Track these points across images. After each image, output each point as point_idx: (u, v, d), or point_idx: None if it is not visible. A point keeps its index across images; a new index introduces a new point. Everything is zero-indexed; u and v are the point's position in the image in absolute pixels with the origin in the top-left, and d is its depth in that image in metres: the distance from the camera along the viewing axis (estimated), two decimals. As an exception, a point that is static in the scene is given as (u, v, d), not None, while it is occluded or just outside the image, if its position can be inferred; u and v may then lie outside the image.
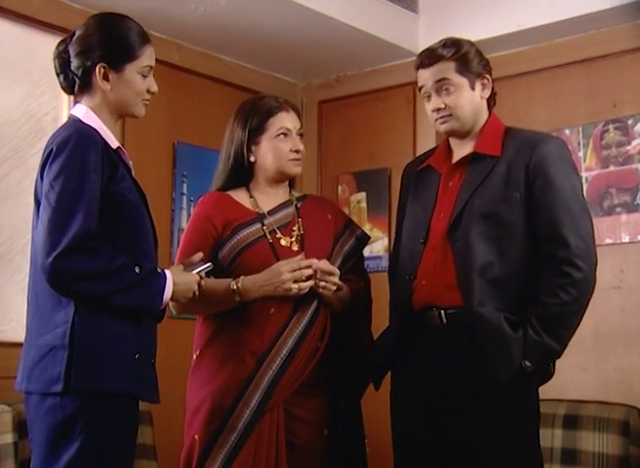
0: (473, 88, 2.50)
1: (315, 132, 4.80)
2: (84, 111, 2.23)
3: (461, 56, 2.48)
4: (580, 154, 3.99)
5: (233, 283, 2.50)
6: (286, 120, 2.66)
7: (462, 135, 2.54)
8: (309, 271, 2.48)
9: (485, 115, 2.55)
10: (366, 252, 4.44)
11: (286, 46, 4.33)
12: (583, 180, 3.95)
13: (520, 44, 4.18)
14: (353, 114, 4.70)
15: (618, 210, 3.89)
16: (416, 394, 2.49)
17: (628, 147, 3.90)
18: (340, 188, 4.69)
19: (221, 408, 2.48)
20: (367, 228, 4.52)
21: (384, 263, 4.31)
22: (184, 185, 4.18)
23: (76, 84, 2.25)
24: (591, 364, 3.89)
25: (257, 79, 4.56)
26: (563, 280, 2.37)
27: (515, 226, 2.43)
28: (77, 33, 2.26)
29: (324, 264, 2.51)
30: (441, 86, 2.48)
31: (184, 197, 4.17)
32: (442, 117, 2.50)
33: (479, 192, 2.45)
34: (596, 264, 2.44)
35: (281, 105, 2.68)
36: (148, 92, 2.29)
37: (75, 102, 2.28)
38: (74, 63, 2.23)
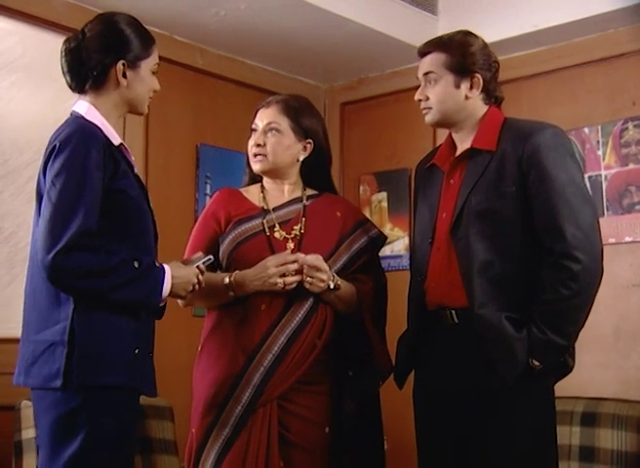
0: (458, 86, 2.39)
1: (337, 133, 4.74)
2: (86, 108, 2.20)
3: (454, 51, 2.38)
4: (600, 152, 3.88)
5: (227, 277, 2.46)
6: (258, 116, 2.63)
7: (452, 127, 2.46)
8: (295, 266, 2.42)
9: (479, 111, 2.43)
10: (387, 251, 4.44)
11: (307, 49, 4.27)
12: (602, 179, 3.86)
13: (538, 44, 4.08)
14: (374, 115, 4.64)
15: (637, 207, 3.76)
16: (435, 392, 2.42)
17: (648, 145, 3.79)
18: (361, 188, 4.63)
19: (215, 403, 2.44)
20: (388, 227, 4.47)
21: (405, 262, 4.24)
22: (208, 186, 4.14)
23: (89, 81, 2.21)
24: (612, 361, 3.77)
25: (280, 82, 4.51)
26: (562, 275, 2.24)
27: (513, 223, 2.31)
28: (91, 31, 2.22)
29: (311, 259, 2.44)
30: (427, 78, 2.42)
31: (208, 197, 4.12)
32: (424, 108, 2.44)
33: (476, 190, 2.34)
34: (600, 253, 2.30)
35: (264, 103, 2.64)
36: (153, 90, 2.30)
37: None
38: (91, 61, 2.19)
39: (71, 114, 2.22)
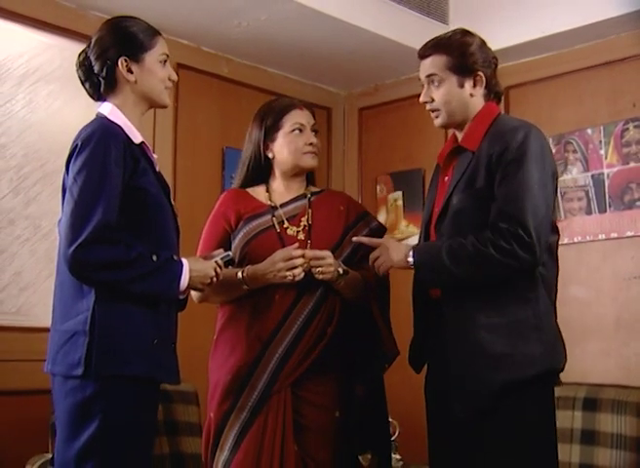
0: (462, 85, 2.32)
1: (356, 136, 4.76)
2: (110, 108, 2.18)
3: (455, 52, 2.30)
4: (602, 152, 3.84)
5: (240, 272, 2.45)
6: (299, 116, 2.59)
7: (456, 127, 2.38)
8: (300, 260, 2.40)
9: (477, 107, 2.35)
10: (402, 246, 4.42)
11: (326, 58, 4.27)
12: (605, 177, 3.82)
13: (544, 50, 4.05)
14: (390, 119, 4.63)
15: (638, 204, 3.71)
16: (436, 379, 2.37)
17: (647, 144, 3.74)
18: (378, 188, 4.62)
19: (232, 390, 2.43)
20: (403, 224, 4.47)
21: (419, 257, 4.21)
22: (232, 186, 4.15)
23: (102, 86, 2.20)
24: (614, 349, 3.72)
25: (301, 89, 4.51)
26: (506, 236, 2.12)
27: (482, 222, 2.20)
28: (93, 39, 2.22)
29: (314, 251, 2.42)
30: (431, 80, 2.34)
31: (233, 197, 4.14)
32: (431, 111, 2.37)
33: (457, 189, 2.28)
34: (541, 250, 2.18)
35: (294, 104, 2.62)
36: (169, 80, 2.24)
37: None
38: (97, 66, 2.18)
39: (96, 115, 2.21)
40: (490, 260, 2.14)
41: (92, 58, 2.19)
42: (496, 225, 2.16)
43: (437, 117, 2.38)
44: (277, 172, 2.64)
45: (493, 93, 2.39)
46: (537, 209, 2.16)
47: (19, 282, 3.40)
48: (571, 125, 3.96)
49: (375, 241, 2.42)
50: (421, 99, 2.39)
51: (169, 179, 3.82)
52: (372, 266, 2.36)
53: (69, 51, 3.61)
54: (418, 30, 4.16)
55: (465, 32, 2.38)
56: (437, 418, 2.36)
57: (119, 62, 2.17)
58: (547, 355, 2.21)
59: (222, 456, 2.41)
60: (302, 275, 2.41)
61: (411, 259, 2.24)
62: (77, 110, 3.59)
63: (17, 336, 3.31)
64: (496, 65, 2.39)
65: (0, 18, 3.43)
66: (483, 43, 2.38)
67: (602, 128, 3.86)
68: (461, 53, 2.31)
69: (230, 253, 2.32)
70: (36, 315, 3.40)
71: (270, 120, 2.60)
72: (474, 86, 2.34)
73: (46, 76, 3.57)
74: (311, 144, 2.58)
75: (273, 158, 2.62)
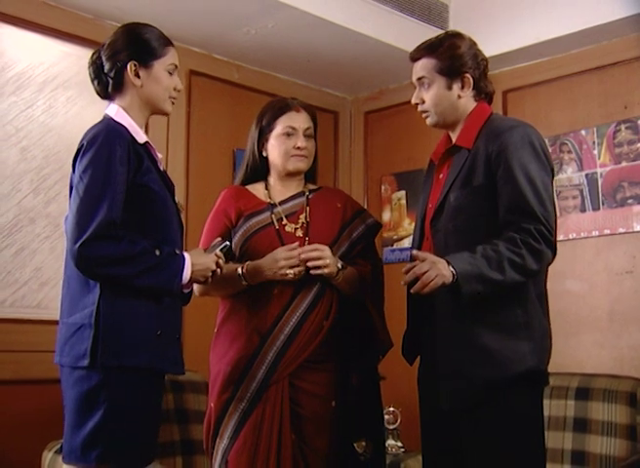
0: (450, 87, 2.26)
1: (362, 139, 4.74)
2: (115, 110, 2.17)
3: (443, 55, 2.25)
4: (596, 152, 3.80)
5: (239, 268, 2.41)
6: (293, 119, 2.52)
7: (448, 127, 2.33)
8: (303, 257, 2.36)
9: (469, 108, 2.29)
10: (404, 243, 4.41)
11: (332, 64, 4.24)
12: (598, 176, 3.77)
13: (540, 55, 4.00)
14: (395, 122, 4.59)
15: (630, 201, 3.67)
16: (427, 370, 2.33)
17: (639, 145, 3.67)
18: (383, 188, 4.59)
19: (232, 380, 2.40)
20: (407, 222, 4.45)
21: (421, 253, 4.19)
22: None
23: (109, 86, 2.18)
24: (607, 341, 3.68)
25: (309, 94, 4.48)
26: (533, 234, 2.07)
27: (482, 219, 2.16)
28: (108, 41, 2.21)
29: (310, 250, 2.38)
30: (421, 82, 2.30)
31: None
32: (422, 112, 2.32)
33: (454, 187, 2.22)
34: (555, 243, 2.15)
35: (291, 106, 2.54)
36: (175, 89, 2.22)
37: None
38: (107, 67, 2.17)
39: (103, 116, 2.19)
40: (525, 261, 2.07)
41: (103, 58, 2.18)
42: (519, 225, 2.09)
43: (427, 117, 2.34)
44: (273, 171, 2.60)
45: (483, 93, 2.33)
46: (548, 206, 2.14)
47: (39, 277, 3.40)
48: (566, 126, 3.92)
49: (421, 254, 2.11)
50: (413, 101, 2.34)
51: (182, 180, 3.85)
52: (419, 279, 2.05)
53: (87, 59, 3.56)
54: (419, 37, 4.05)
55: (456, 35, 2.33)
56: (428, 408, 2.32)
57: (128, 66, 2.15)
58: (535, 353, 2.14)
59: (222, 444, 2.39)
60: (303, 272, 2.38)
61: (453, 270, 2.04)
62: (94, 115, 3.50)
63: (37, 329, 3.32)
64: (485, 67, 2.33)
65: (21, 28, 3.44)
66: (473, 45, 2.33)
67: (595, 129, 3.81)
68: (450, 56, 2.26)
69: (228, 242, 2.29)
70: (55, 308, 3.31)
71: (265, 120, 2.55)
72: (462, 88, 2.29)
73: (64, 83, 3.57)
74: (299, 148, 2.50)
75: (268, 157, 2.58)
